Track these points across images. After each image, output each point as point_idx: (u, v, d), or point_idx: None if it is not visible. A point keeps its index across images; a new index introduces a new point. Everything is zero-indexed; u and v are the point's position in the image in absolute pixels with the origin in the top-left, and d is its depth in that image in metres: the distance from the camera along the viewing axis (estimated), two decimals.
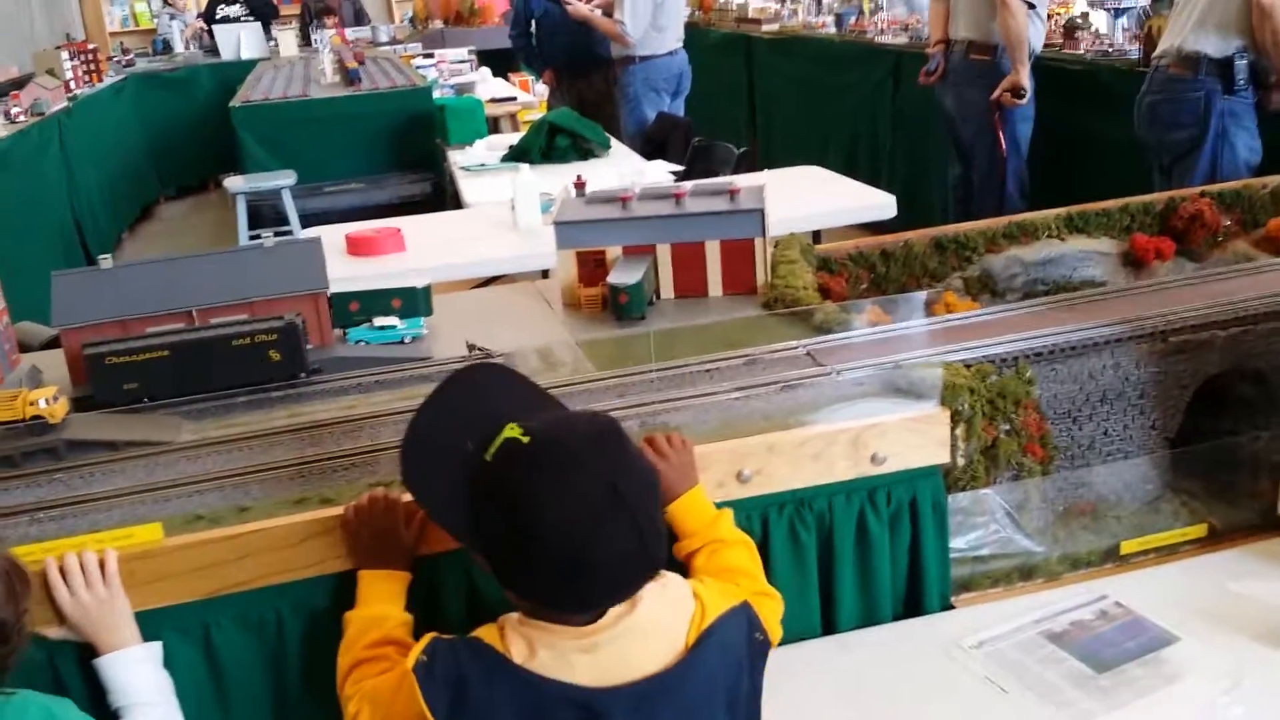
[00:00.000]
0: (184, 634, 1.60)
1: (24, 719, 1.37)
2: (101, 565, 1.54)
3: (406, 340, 2.22)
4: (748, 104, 8.42)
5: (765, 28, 8.11)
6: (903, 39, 6.50)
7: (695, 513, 1.64)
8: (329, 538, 1.61)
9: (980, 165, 5.06)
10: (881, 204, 4.23)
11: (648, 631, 1.36)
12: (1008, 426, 1.92)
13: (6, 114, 6.44)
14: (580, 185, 2.55)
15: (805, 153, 6.21)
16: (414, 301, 2.26)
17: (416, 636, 1.59)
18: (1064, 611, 1.83)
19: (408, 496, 1.56)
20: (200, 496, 1.70)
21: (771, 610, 1.58)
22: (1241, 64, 3.97)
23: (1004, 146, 4.92)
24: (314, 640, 1.61)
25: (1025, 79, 4.76)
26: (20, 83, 7.22)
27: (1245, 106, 4.02)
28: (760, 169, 4.94)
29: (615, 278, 2.28)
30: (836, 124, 7.13)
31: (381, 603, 1.55)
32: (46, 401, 1.83)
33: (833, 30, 7.40)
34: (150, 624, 1.57)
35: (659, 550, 1.37)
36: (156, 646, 1.57)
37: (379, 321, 2.23)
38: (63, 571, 1.53)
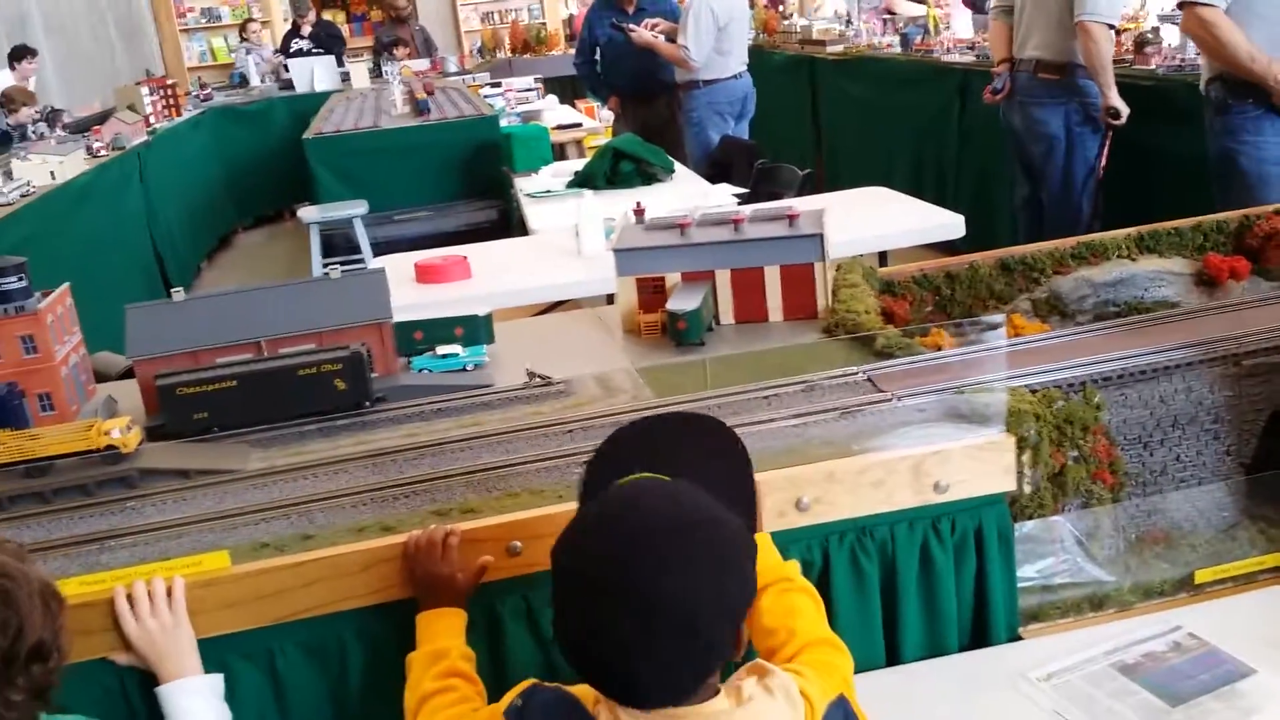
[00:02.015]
0: (249, 659, 1.63)
1: None
2: (169, 593, 1.58)
3: (469, 368, 2.24)
4: (812, 126, 8.39)
5: (830, 49, 8.09)
6: (969, 57, 6.44)
7: (763, 557, 1.61)
8: (390, 565, 1.63)
9: (1052, 186, 4.98)
10: (949, 224, 4.18)
11: None
12: (1076, 453, 1.89)
13: (89, 149, 6.65)
14: (640, 212, 2.56)
15: (870, 174, 6.17)
16: (476, 329, 2.29)
17: (482, 665, 1.61)
18: (1136, 643, 1.78)
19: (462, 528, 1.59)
20: (267, 524, 1.74)
21: (847, 668, 1.51)
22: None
23: (1078, 167, 4.85)
24: (375, 666, 1.62)
25: (1117, 100, 4.68)
26: (102, 118, 7.46)
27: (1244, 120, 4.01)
28: (825, 190, 4.93)
29: (674, 304, 2.28)
30: (902, 144, 7.08)
31: (440, 639, 1.56)
32: (120, 431, 1.88)
33: (898, 50, 7.36)
34: (217, 650, 1.60)
35: (677, 656, 1.27)
36: (218, 679, 1.59)
37: (442, 350, 2.26)
38: (131, 599, 1.57)
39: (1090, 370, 1.97)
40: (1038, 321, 2.57)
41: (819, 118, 8.35)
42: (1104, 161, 4.92)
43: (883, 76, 7.35)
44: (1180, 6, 4.12)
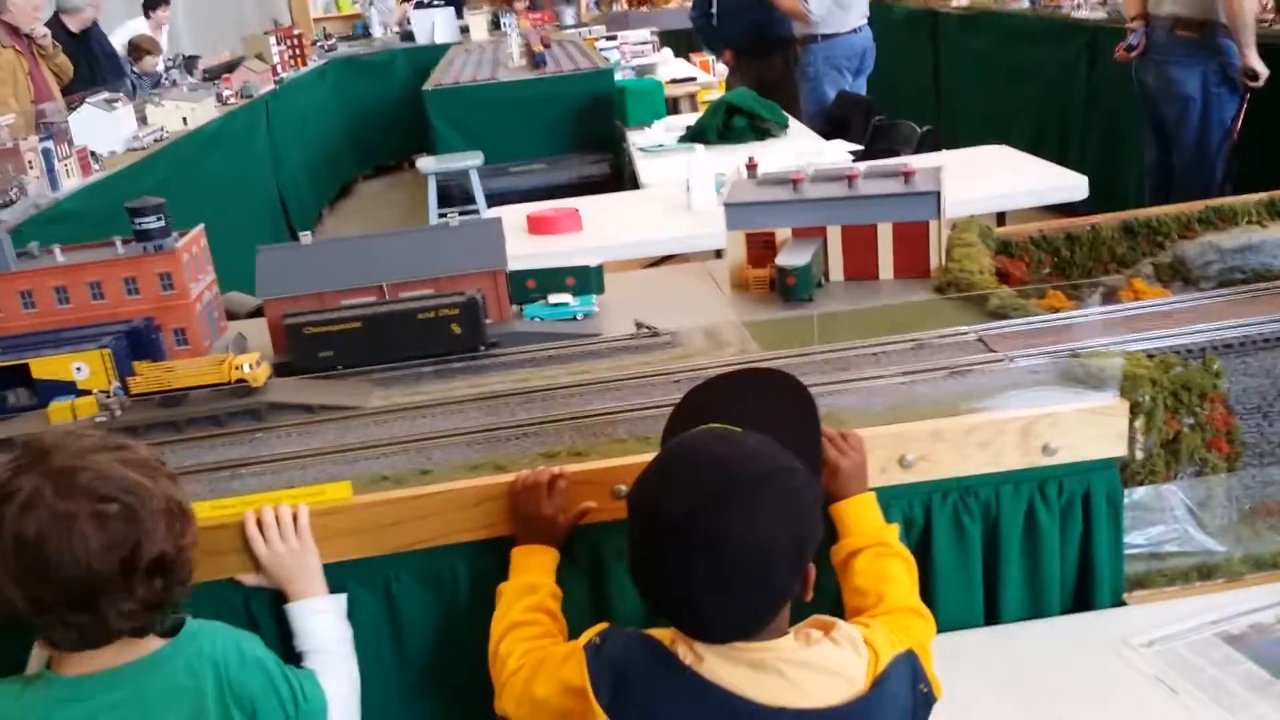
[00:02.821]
0: (367, 586, 1.71)
1: (213, 645, 1.50)
2: (295, 519, 1.66)
3: (579, 317, 2.29)
4: (932, 82, 8.21)
5: (954, 3, 7.89)
6: (1100, 13, 6.21)
7: (865, 517, 1.64)
8: (500, 502, 1.69)
9: (1184, 149, 4.79)
10: (1072, 185, 4.07)
11: (827, 670, 1.34)
12: (1192, 420, 1.85)
13: (219, 96, 6.88)
14: (751, 167, 2.57)
15: (991, 133, 5.99)
16: (587, 280, 2.33)
17: (581, 603, 1.66)
18: (1244, 613, 1.75)
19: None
20: (386, 459, 1.81)
21: (925, 635, 1.54)
22: None
23: (1213, 130, 4.65)
24: (484, 597, 1.68)
25: (1256, 61, 4.47)
26: (231, 66, 7.70)
27: None
28: (943, 149, 4.83)
29: (783, 259, 2.29)
30: (1025, 103, 6.88)
31: (533, 574, 1.62)
32: (250, 366, 1.97)
33: (1025, 5, 7.13)
34: (337, 575, 1.68)
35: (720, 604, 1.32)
36: (342, 599, 1.68)
37: (553, 299, 2.31)
38: (260, 524, 1.66)
39: (1211, 337, 1.92)
40: (1159, 287, 2.50)
41: (940, 74, 8.15)
42: (1239, 125, 4.72)
43: (1008, 32, 7.14)
44: None
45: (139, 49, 8.00)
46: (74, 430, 1.62)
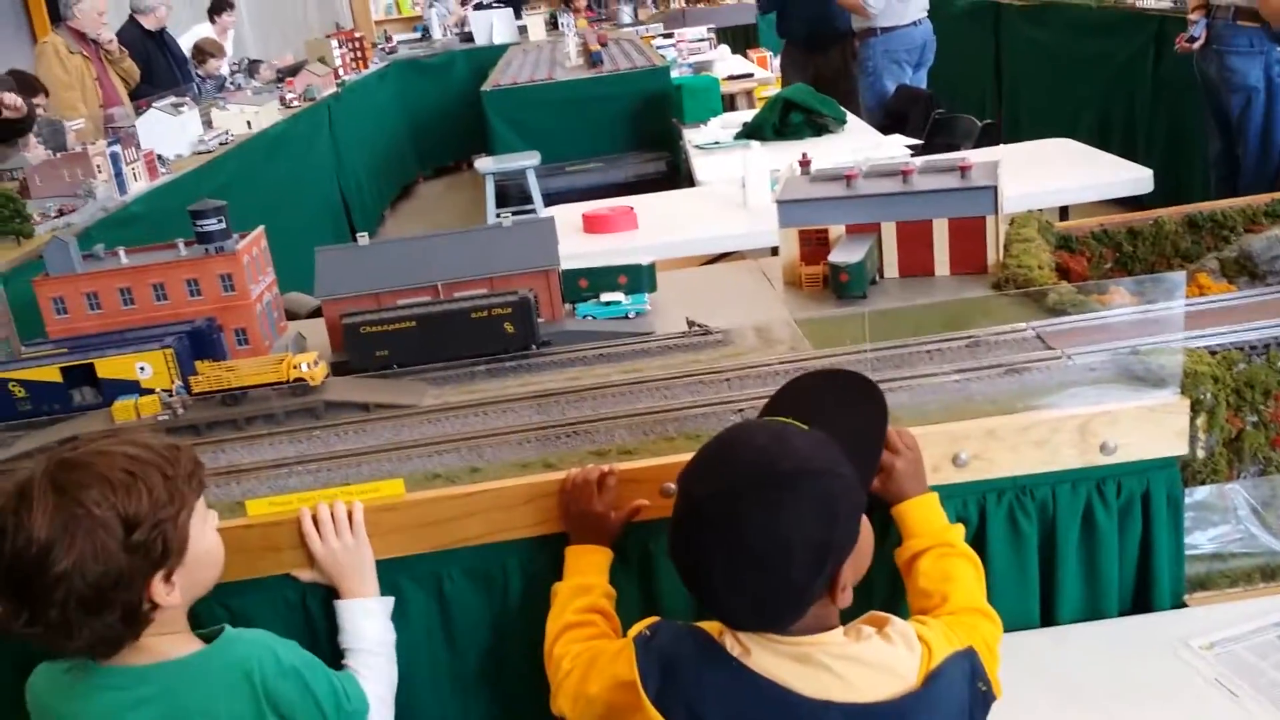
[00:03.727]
0: (418, 582, 1.73)
1: (250, 652, 1.51)
2: (349, 516, 1.69)
3: (631, 316, 2.29)
4: (994, 75, 8.09)
5: None
6: (1166, 3, 6.08)
7: (928, 517, 1.62)
8: (551, 500, 1.70)
9: (1249, 140, 4.69)
10: (1136, 178, 4.00)
11: (876, 665, 1.34)
12: (1255, 418, 1.81)
13: (282, 99, 6.99)
14: (805, 163, 2.55)
15: (1054, 127, 5.91)
16: (639, 278, 2.33)
17: (632, 601, 1.67)
18: None
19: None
20: (439, 457, 1.83)
21: (991, 635, 1.52)
22: None
23: (1278, 120, 4.54)
24: (535, 594, 1.70)
25: None
26: (294, 70, 7.83)
27: None
28: (1005, 143, 4.77)
29: (837, 256, 2.27)
30: (1089, 96, 6.75)
31: (586, 574, 1.63)
32: (308, 366, 2.01)
33: None
34: (390, 572, 1.71)
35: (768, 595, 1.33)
36: (389, 602, 1.70)
37: (606, 297, 2.31)
38: (316, 521, 1.69)
39: (1276, 333, 1.87)
40: (1224, 282, 2.45)
41: (1001, 67, 8.03)
42: None
43: (1072, 23, 7.01)
44: None
45: (203, 52, 8.17)
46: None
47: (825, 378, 1.62)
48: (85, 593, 1.38)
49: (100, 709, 1.49)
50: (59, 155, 4.64)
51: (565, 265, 2.31)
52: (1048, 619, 1.81)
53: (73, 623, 1.40)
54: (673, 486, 1.67)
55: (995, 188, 2.30)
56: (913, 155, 4.04)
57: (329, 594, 1.70)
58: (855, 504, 1.37)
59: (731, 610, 1.34)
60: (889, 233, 2.36)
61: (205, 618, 1.60)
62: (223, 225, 2.25)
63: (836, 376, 1.62)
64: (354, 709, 1.57)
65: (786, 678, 1.31)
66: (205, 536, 1.52)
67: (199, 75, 7.90)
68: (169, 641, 1.50)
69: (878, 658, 1.34)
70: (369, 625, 1.67)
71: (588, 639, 1.55)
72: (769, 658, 1.33)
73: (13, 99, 5.00)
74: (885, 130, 5.28)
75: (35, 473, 1.42)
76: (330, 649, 1.67)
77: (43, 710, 1.55)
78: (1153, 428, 1.74)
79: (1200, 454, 1.79)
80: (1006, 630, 1.75)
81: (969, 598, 1.54)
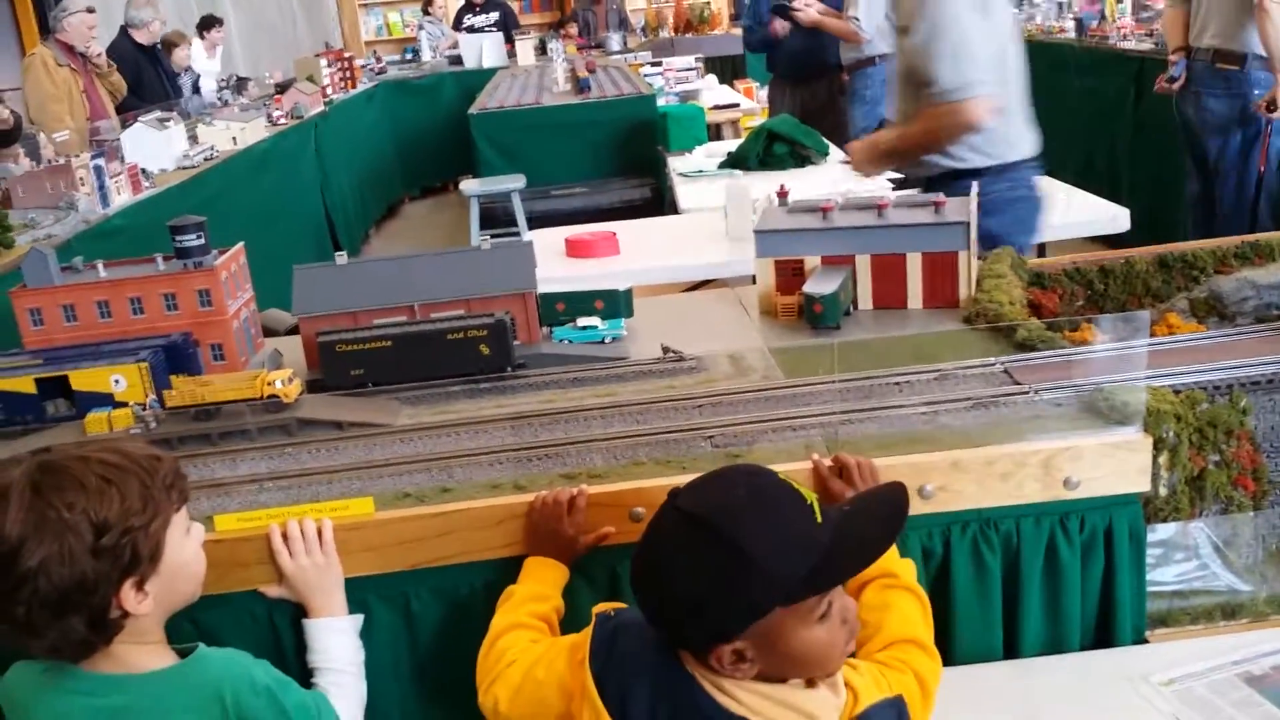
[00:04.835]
0: (386, 601, 1.74)
1: (224, 670, 1.51)
2: (319, 534, 1.69)
3: (607, 340, 2.31)
4: None
5: None
6: (1147, 44, 6.18)
7: None
8: (520, 522, 1.71)
9: (1226, 182, 4.75)
10: (1112, 217, 4.06)
11: (788, 705, 1.33)
12: (1218, 457, 1.83)
13: (269, 117, 7.01)
14: (783, 194, 2.58)
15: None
16: (616, 303, 2.35)
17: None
18: (1267, 654, 1.72)
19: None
20: (410, 476, 1.84)
21: (927, 669, 1.51)
22: None
23: (1254, 164, 4.61)
24: None
25: None
26: (282, 87, 7.85)
27: None
28: None
29: (811, 287, 2.30)
30: (1072, 134, 6.83)
31: (544, 585, 1.65)
32: (282, 383, 2.01)
33: (1072, 35, 7.10)
34: (358, 589, 1.71)
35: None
36: (358, 620, 1.71)
37: (582, 322, 2.33)
38: (285, 537, 1.69)
39: (1239, 373, 1.90)
40: (1194, 322, 2.48)
41: None
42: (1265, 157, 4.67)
43: (1055, 62, 7.10)
44: None
45: (169, 44, 8.13)
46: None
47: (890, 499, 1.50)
48: (50, 594, 1.39)
49: (70, 712, 1.49)
50: (43, 167, 4.64)
51: (546, 289, 2.32)
52: (1010, 651, 1.82)
53: (38, 623, 1.41)
54: (642, 511, 1.69)
55: (967, 224, 2.34)
56: (894, 189, 4.08)
57: (296, 611, 1.70)
58: (768, 589, 1.28)
59: (649, 618, 1.39)
60: (864, 265, 2.39)
61: (171, 631, 1.59)
62: (202, 241, 2.26)
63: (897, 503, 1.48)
64: None
65: (709, 688, 1.33)
66: (185, 548, 1.53)
67: (171, 72, 7.86)
68: (143, 652, 1.51)
69: (792, 700, 1.33)
70: (339, 643, 1.68)
71: (533, 642, 1.56)
72: (697, 669, 1.35)
73: None
74: None
75: (17, 473, 1.44)
76: (298, 666, 1.67)
77: (15, 706, 1.55)
78: (1116, 464, 1.77)
79: (1163, 491, 1.81)
80: (970, 662, 1.78)
81: (905, 628, 1.53)
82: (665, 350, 2.19)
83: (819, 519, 1.32)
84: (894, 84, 3.33)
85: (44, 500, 1.40)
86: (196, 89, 8.11)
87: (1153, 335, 2.21)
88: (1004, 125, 3.12)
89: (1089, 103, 6.66)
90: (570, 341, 2.31)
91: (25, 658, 1.54)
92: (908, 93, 3.16)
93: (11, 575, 1.39)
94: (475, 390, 2.15)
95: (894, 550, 1.63)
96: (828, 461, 1.71)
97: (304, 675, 1.65)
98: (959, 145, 3.09)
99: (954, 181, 3.06)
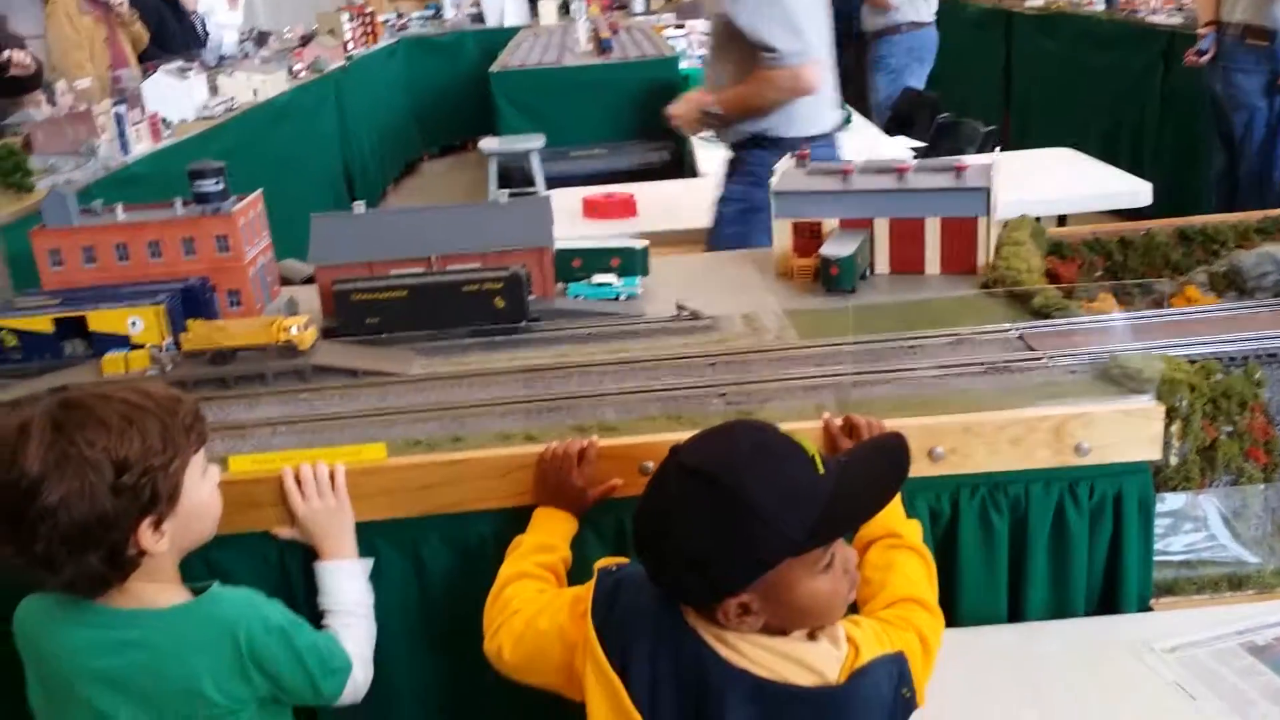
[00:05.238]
0: (396, 546, 1.75)
1: (236, 610, 1.53)
2: (331, 477, 1.71)
3: (622, 298, 2.31)
4: (1002, 83, 8.10)
5: (1029, 4, 7.78)
6: (1177, 19, 6.09)
7: (885, 511, 1.59)
8: (531, 472, 1.72)
9: (1252, 157, 4.70)
10: (1134, 190, 4.03)
11: (790, 659, 1.33)
12: (1230, 428, 1.82)
13: (290, 70, 6.99)
14: (803, 155, 2.57)
15: (1063, 136, 5.92)
16: (632, 261, 2.35)
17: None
18: (1271, 625, 1.72)
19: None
20: (422, 424, 1.85)
21: (929, 627, 1.51)
22: None
23: None
24: None
25: None
26: (304, 40, 7.82)
27: None
28: (1013, 150, 4.78)
29: (828, 249, 2.29)
30: (1099, 108, 6.77)
31: (552, 536, 1.66)
32: (297, 329, 2.03)
33: (1101, 8, 7.02)
34: (368, 534, 1.73)
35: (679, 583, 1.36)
36: (368, 563, 1.72)
37: (598, 278, 2.33)
38: (299, 480, 1.70)
39: (1255, 345, 1.90)
40: (1213, 296, 2.46)
41: (1011, 75, 8.05)
42: None
43: (1083, 34, 7.03)
44: None
45: None
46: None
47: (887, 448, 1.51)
48: (69, 530, 1.41)
49: (83, 644, 1.51)
50: (64, 113, 4.64)
51: (562, 247, 2.32)
52: (1015, 615, 1.83)
53: (56, 558, 1.42)
54: (651, 465, 1.70)
55: (988, 189, 2.32)
56: (915, 158, 4.06)
57: (307, 553, 1.72)
58: (760, 555, 1.29)
59: (651, 575, 1.39)
60: (882, 229, 2.38)
61: (184, 570, 1.60)
62: (221, 187, 2.27)
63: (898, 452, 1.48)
64: (338, 667, 1.60)
65: (711, 641, 1.34)
66: (201, 489, 1.54)
67: (192, 24, 7.81)
68: (157, 590, 1.52)
69: (794, 653, 1.34)
70: (349, 586, 1.69)
71: (539, 592, 1.57)
72: (696, 621, 1.36)
73: (21, 56, 5.00)
74: (890, 132, 5.29)
75: (39, 409, 1.45)
76: (308, 608, 1.68)
77: (28, 638, 1.58)
78: (1128, 432, 1.76)
79: (1174, 461, 1.81)
80: (973, 623, 1.79)
81: (908, 587, 1.54)
82: (680, 309, 2.19)
83: (821, 470, 1.32)
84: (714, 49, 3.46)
85: (66, 437, 1.42)
86: (205, 31, 8.02)
87: (1171, 308, 2.20)
88: (815, 98, 3.27)
89: (1116, 76, 6.59)
90: (585, 298, 2.31)
91: (39, 591, 1.56)
92: (726, 58, 3.29)
93: (31, 510, 1.40)
94: (489, 343, 2.16)
95: (900, 510, 1.64)
96: (838, 421, 1.71)
97: (314, 617, 1.67)
98: (775, 113, 3.24)
99: (756, 149, 3.27)
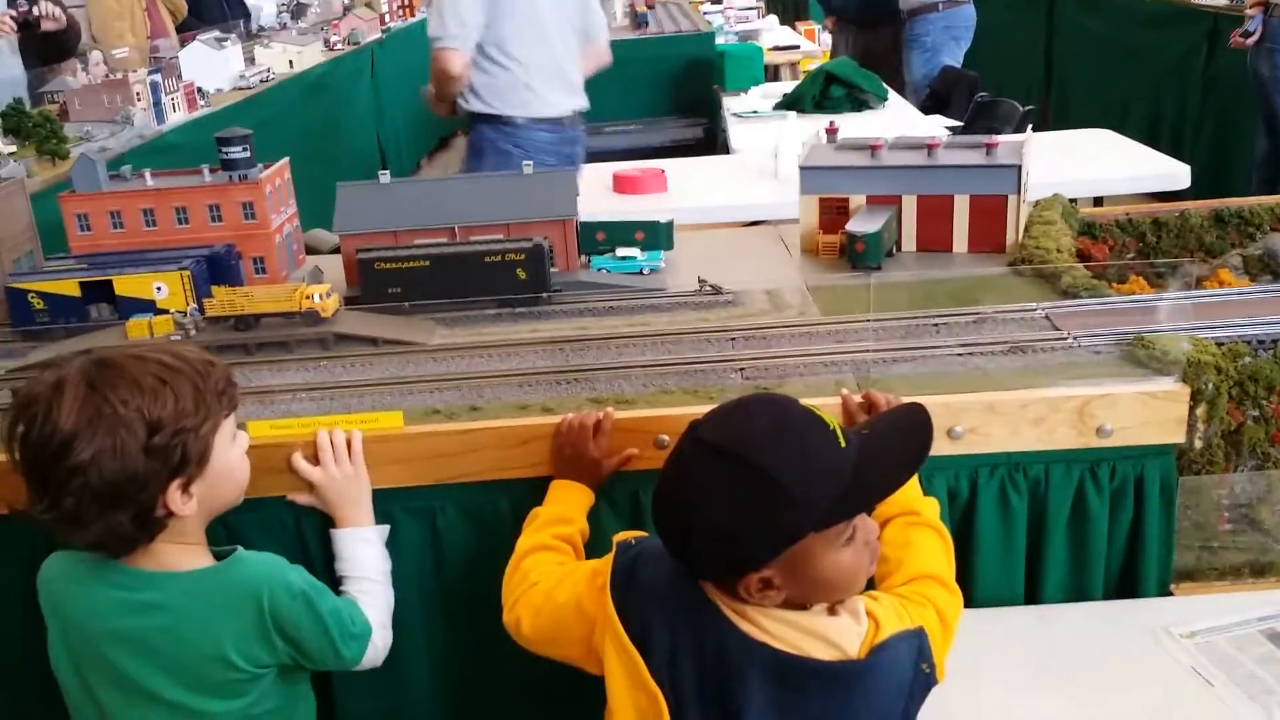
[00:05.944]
0: (412, 514, 1.76)
1: (259, 574, 1.55)
2: (349, 445, 1.72)
3: (645, 271, 2.30)
4: (1043, 63, 7.99)
5: None
6: (1222, 0, 5.98)
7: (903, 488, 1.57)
8: (548, 442, 1.72)
9: None
10: (1172, 173, 3.96)
11: (811, 633, 1.33)
12: (1257, 412, 1.79)
13: (326, 42, 7.01)
14: (832, 130, 2.54)
15: (1102, 117, 5.82)
16: (656, 235, 2.34)
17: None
18: None
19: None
20: (440, 394, 1.86)
21: (948, 605, 1.48)
22: None
23: None
24: None
25: None
26: (343, 12, 7.83)
27: None
28: (1052, 130, 4.72)
29: (854, 225, 2.27)
30: (1140, 89, 6.67)
31: (569, 508, 1.66)
32: (320, 297, 2.03)
33: None
34: (384, 501, 1.74)
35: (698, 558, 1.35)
36: (385, 529, 1.73)
37: (621, 252, 2.32)
38: (316, 446, 1.71)
39: None
40: (1247, 279, 2.42)
41: (1052, 55, 7.93)
42: None
43: (1126, 14, 6.92)
44: None
45: None
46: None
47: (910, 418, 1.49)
48: (100, 488, 1.42)
49: (106, 604, 1.53)
50: (100, 81, 4.68)
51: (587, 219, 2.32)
52: (1032, 597, 1.81)
53: (85, 515, 1.44)
54: (666, 439, 1.69)
55: (1019, 167, 2.29)
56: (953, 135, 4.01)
57: (323, 520, 1.73)
58: (784, 529, 1.29)
59: (669, 549, 1.38)
60: (909, 206, 2.35)
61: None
62: (248, 154, 2.28)
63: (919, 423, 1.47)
64: (358, 632, 1.61)
65: (732, 615, 1.34)
66: (230, 454, 1.55)
67: None
68: (183, 552, 1.54)
69: (815, 627, 1.33)
70: (367, 553, 1.70)
71: (557, 565, 1.57)
72: (716, 595, 1.36)
73: (50, 8, 4.93)
74: (927, 111, 5.23)
75: (74, 367, 1.46)
76: (326, 575, 1.70)
77: (51, 595, 1.60)
78: (1152, 414, 1.74)
79: (1198, 444, 1.78)
80: (990, 604, 1.78)
81: (926, 564, 1.52)
82: (701, 283, 2.18)
83: (842, 443, 1.31)
84: None
85: (100, 395, 1.43)
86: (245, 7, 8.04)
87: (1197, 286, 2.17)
88: (541, 82, 3.74)
89: (1160, 58, 6.48)
90: (608, 271, 2.30)
91: (66, 549, 1.58)
92: None
93: (63, 466, 1.42)
94: (510, 314, 2.16)
95: (917, 488, 1.62)
96: (857, 398, 1.70)
97: (331, 584, 1.68)
98: (473, 92, 3.71)
99: (481, 124, 3.76)
